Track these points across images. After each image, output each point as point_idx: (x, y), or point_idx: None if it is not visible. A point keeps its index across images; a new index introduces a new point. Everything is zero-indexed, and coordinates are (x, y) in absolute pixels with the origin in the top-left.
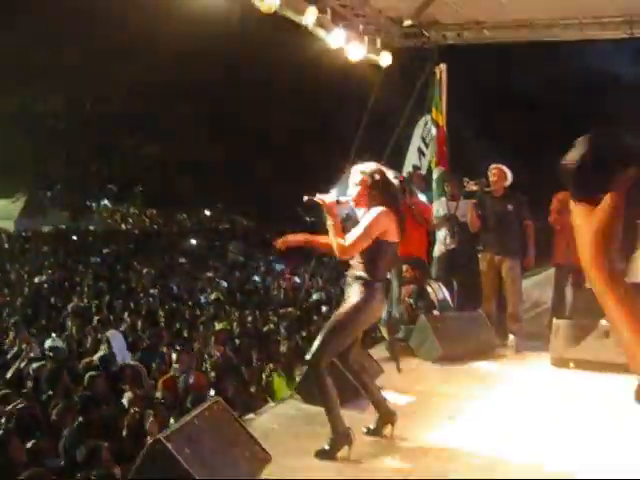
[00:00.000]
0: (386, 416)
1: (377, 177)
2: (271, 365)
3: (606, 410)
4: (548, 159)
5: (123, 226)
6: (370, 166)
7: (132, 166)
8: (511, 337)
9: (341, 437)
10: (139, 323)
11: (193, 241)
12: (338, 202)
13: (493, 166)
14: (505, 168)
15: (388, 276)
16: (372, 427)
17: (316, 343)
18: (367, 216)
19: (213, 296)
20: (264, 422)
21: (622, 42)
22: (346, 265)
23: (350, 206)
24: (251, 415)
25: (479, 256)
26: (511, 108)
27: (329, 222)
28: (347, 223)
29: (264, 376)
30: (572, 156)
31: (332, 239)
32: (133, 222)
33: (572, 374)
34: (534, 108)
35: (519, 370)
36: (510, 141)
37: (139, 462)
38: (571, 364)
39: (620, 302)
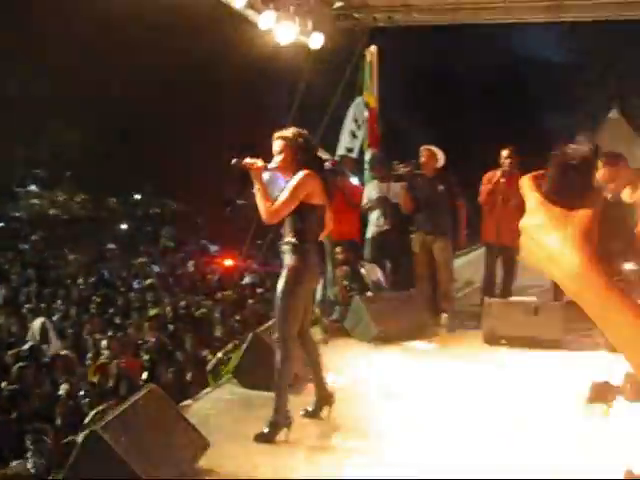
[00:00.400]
0: (324, 398)
1: (300, 140)
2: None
3: (537, 386)
4: (477, 140)
5: (52, 212)
6: (291, 131)
7: (60, 151)
8: (444, 316)
9: (281, 419)
10: (70, 311)
11: (124, 226)
12: (266, 167)
13: (423, 147)
14: (435, 149)
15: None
16: (310, 409)
17: (276, 321)
18: (292, 180)
19: (147, 282)
20: (201, 408)
21: (549, 25)
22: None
23: (279, 183)
24: (188, 401)
25: (412, 237)
26: (442, 90)
27: (256, 186)
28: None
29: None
30: (576, 150)
31: (260, 203)
32: (62, 208)
33: (504, 351)
34: (464, 90)
35: (452, 348)
36: (441, 122)
37: (75, 454)
38: (502, 341)
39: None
